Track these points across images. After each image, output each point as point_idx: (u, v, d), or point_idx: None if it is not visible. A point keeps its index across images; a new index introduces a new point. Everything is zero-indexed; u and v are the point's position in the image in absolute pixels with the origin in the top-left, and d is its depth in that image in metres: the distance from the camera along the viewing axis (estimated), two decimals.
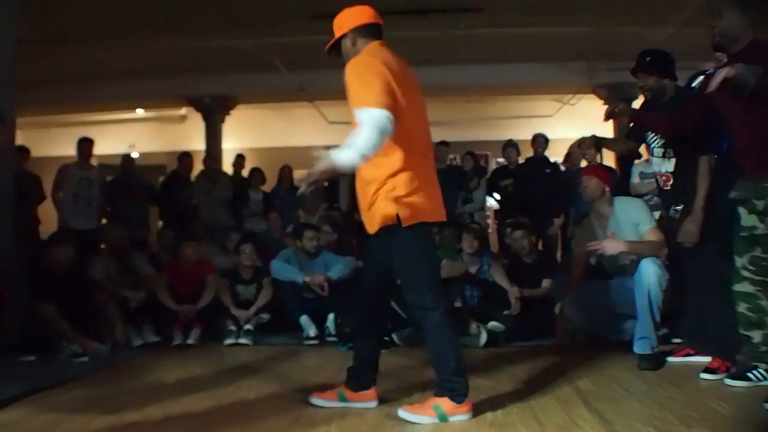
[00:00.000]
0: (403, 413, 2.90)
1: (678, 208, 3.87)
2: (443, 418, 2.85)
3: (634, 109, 4.03)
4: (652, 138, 4.01)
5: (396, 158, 2.87)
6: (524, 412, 2.97)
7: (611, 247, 4.15)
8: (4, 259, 4.97)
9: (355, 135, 2.69)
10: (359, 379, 3.14)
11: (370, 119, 2.68)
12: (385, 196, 2.88)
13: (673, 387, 3.35)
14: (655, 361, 3.85)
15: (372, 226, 2.99)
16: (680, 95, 3.89)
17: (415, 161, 2.93)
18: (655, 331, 3.93)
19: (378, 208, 2.91)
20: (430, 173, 3.10)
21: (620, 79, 9.27)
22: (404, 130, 2.84)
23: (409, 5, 7.58)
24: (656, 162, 4.01)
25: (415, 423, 2.84)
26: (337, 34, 3.08)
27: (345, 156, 2.68)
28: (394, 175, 2.87)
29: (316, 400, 3.17)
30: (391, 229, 2.89)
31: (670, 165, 3.90)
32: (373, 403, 3.13)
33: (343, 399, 3.13)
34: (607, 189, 4.40)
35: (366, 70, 2.84)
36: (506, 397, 3.22)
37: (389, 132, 2.71)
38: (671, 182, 3.90)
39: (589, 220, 4.64)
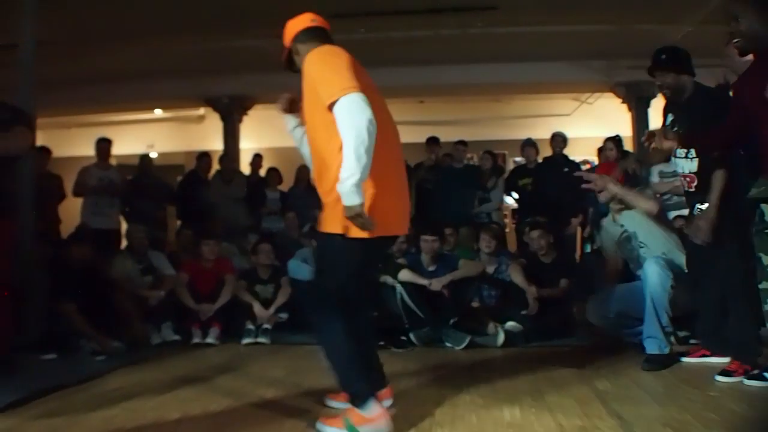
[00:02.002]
0: (319, 424, 2.78)
1: (702, 207, 3.77)
2: (351, 429, 2.69)
3: (677, 133, 3.91)
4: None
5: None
6: (542, 412, 2.95)
7: (602, 182, 4.28)
8: (24, 259, 5.01)
9: (343, 131, 2.52)
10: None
11: (346, 112, 2.52)
12: (336, 205, 2.63)
13: (692, 388, 3.32)
14: (659, 362, 3.83)
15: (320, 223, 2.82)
16: (699, 93, 3.81)
17: (380, 168, 2.67)
18: (662, 331, 3.90)
19: (327, 213, 2.73)
20: (397, 180, 2.88)
21: (639, 78, 9.20)
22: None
23: (425, 4, 7.57)
24: (679, 163, 3.92)
25: None
26: (287, 46, 2.99)
27: (350, 186, 2.49)
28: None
29: (331, 401, 3.13)
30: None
31: (693, 165, 3.81)
32: (388, 401, 3.05)
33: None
34: (616, 179, 4.40)
35: (330, 58, 2.69)
36: (524, 397, 3.21)
37: (365, 112, 2.50)
38: (695, 183, 3.83)
39: (607, 219, 4.63)
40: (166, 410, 3.13)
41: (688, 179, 3.89)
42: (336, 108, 2.54)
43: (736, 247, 3.58)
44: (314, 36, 2.92)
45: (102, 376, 3.98)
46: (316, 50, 2.76)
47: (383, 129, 2.69)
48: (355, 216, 2.53)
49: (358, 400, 2.71)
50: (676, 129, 3.90)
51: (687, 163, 3.85)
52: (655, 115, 9.52)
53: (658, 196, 5.53)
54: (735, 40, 3.22)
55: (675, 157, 3.96)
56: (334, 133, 2.60)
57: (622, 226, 4.34)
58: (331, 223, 2.70)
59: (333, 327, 2.74)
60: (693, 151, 3.81)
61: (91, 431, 2.82)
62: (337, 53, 2.72)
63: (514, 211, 9.06)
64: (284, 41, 2.99)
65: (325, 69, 2.66)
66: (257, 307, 5.49)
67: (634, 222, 4.30)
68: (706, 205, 3.74)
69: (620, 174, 4.51)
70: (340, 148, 2.56)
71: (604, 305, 4.45)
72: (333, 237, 2.69)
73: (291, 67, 3.03)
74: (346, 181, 2.50)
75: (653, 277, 3.91)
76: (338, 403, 3.06)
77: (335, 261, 2.75)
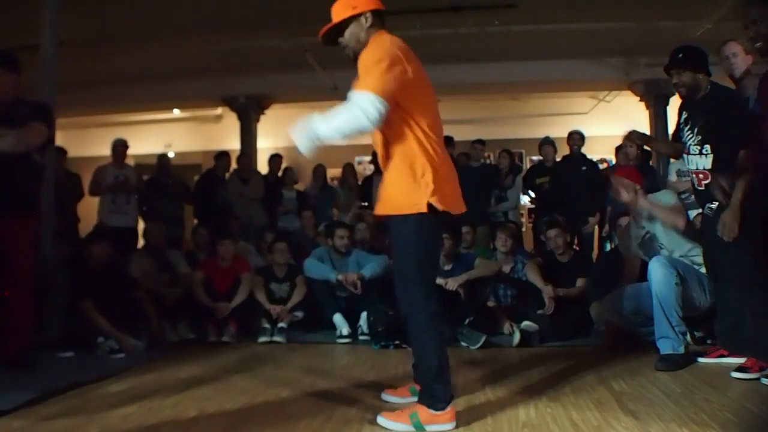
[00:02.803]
0: (380, 419, 2.81)
1: (713, 205, 3.77)
2: (418, 427, 2.73)
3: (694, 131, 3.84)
4: (687, 135, 3.91)
5: (413, 145, 2.77)
6: (558, 412, 2.94)
7: (630, 195, 4.29)
8: (44, 257, 5.06)
9: (339, 110, 2.64)
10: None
11: (361, 101, 2.59)
12: (398, 182, 2.79)
13: (709, 388, 3.29)
14: (673, 362, 3.79)
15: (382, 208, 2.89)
16: (715, 92, 3.80)
17: (434, 149, 2.81)
18: (673, 330, 3.88)
19: (390, 193, 2.82)
20: (449, 164, 2.96)
21: (657, 75, 9.12)
22: (422, 118, 2.78)
23: (443, 2, 7.56)
24: (692, 160, 3.89)
25: (390, 429, 2.76)
26: (350, 12, 2.89)
27: (320, 129, 2.64)
28: (412, 160, 2.77)
29: (388, 397, 3.18)
30: (399, 216, 2.79)
31: (707, 162, 3.78)
32: None
33: (414, 393, 3.04)
34: (639, 188, 4.38)
35: (386, 60, 2.69)
36: (540, 398, 3.20)
37: (374, 121, 2.59)
38: (707, 180, 3.79)
39: (630, 220, 4.65)
40: (182, 408, 3.15)
41: (700, 176, 3.86)
42: (355, 92, 2.63)
43: (754, 245, 3.55)
44: (381, 19, 2.95)
45: (119, 374, 4.00)
46: (374, 45, 2.79)
47: (436, 124, 2.89)
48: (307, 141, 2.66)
49: (435, 401, 2.75)
50: (689, 127, 3.89)
51: (701, 160, 3.82)
52: (674, 112, 9.46)
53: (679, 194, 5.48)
54: (756, 44, 3.22)
55: (688, 153, 3.92)
56: (393, 123, 2.76)
57: (644, 228, 4.33)
58: (397, 204, 2.78)
59: (430, 328, 2.80)
60: (708, 147, 3.77)
61: (108, 429, 2.83)
62: (390, 54, 2.72)
63: (530, 210, 9.00)
64: (347, 8, 2.92)
65: (379, 65, 2.67)
66: (267, 304, 5.52)
67: (654, 224, 4.28)
68: (716, 204, 3.72)
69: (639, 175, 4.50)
70: (401, 138, 2.78)
71: (617, 303, 4.44)
72: (405, 218, 2.75)
73: (329, 39, 3.01)
74: (318, 129, 2.64)
75: (657, 275, 3.91)
76: (395, 398, 3.11)
77: (411, 239, 2.78)
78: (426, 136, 2.78)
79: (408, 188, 2.76)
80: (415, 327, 2.83)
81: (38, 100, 4.32)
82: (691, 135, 3.89)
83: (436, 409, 2.74)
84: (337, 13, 2.93)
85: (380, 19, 2.94)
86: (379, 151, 2.94)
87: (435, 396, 2.75)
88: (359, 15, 2.89)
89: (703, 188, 3.85)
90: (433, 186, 2.74)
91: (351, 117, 2.60)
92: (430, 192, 2.74)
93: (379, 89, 2.60)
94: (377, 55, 2.71)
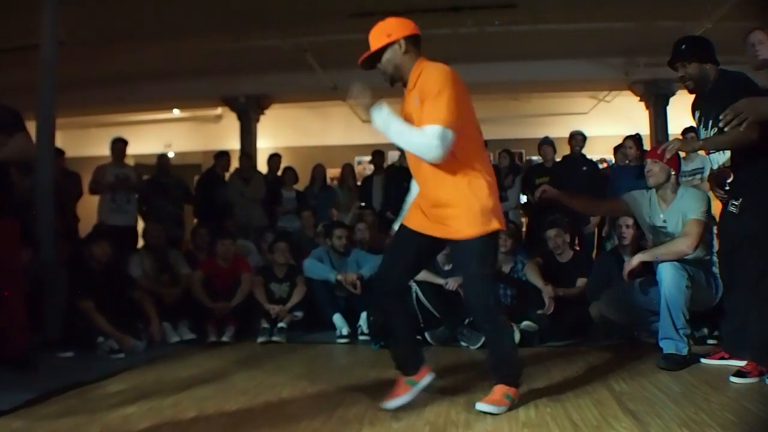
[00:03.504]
0: (480, 405, 2.94)
1: (736, 202, 3.55)
2: (511, 400, 2.99)
3: None
4: (704, 135, 3.70)
5: (477, 166, 2.97)
6: (558, 411, 2.94)
7: (627, 269, 4.18)
8: (45, 257, 5.06)
9: (419, 133, 2.81)
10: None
11: (438, 135, 2.76)
12: (469, 207, 2.92)
13: (709, 388, 3.29)
14: (675, 362, 3.77)
15: (443, 231, 3.01)
16: (725, 78, 3.59)
17: (486, 171, 3.02)
18: (679, 333, 3.84)
19: (460, 220, 2.94)
20: (494, 179, 3.11)
21: (657, 75, 9.16)
22: (475, 140, 2.99)
23: (443, 2, 7.56)
24: (714, 158, 3.76)
25: (494, 414, 2.91)
26: (385, 41, 2.99)
27: (392, 124, 2.84)
28: (478, 182, 2.95)
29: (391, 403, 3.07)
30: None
31: (725, 157, 3.62)
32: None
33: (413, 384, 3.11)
34: (674, 173, 4.19)
35: (448, 86, 2.84)
36: (539, 397, 3.19)
37: (444, 151, 2.78)
38: (731, 179, 3.61)
39: (653, 193, 4.36)
40: (182, 409, 3.15)
41: (723, 174, 3.71)
42: (428, 128, 2.79)
43: None
44: (417, 45, 3.07)
45: (118, 374, 4.01)
46: (433, 73, 2.90)
47: (477, 135, 3.10)
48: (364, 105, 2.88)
49: (519, 380, 3.06)
50: (703, 124, 3.70)
51: (721, 157, 3.68)
52: (674, 113, 9.46)
53: None
54: None
55: (708, 153, 3.79)
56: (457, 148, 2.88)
57: (664, 220, 4.24)
58: (469, 226, 2.92)
59: (503, 321, 3.10)
60: None
61: (108, 429, 2.83)
62: (456, 81, 2.89)
63: (529, 210, 8.97)
64: (382, 36, 3.01)
65: (444, 94, 2.82)
66: (267, 304, 5.52)
67: (674, 222, 4.20)
68: (740, 200, 3.52)
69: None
70: (457, 164, 2.93)
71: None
72: (473, 240, 2.91)
73: (369, 64, 3.09)
74: (388, 124, 2.86)
75: (668, 277, 3.85)
76: (398, 399, 3.07)
77: (484, 259, 2.98)
78: (480, 156, 3.01)
79: (477, 210, 2.92)
80: (491, 317, 3.03)
81: (7, 106, 4.17)
82: (706, 133, 3.68)
83: (517, 385, 3.04)
84: (374, 41, 3.03)
85: (416, 45, 3.06)
86: (427, 174, 3.02)
87: (516, 368, 3.07)
88: (394, 42, 3.00)
89: (728, 188, 3.66)
90: (494, 206, 2.97)
91: (423, 143, 2.80)
92: (494, 213, 2.96)
93: (449, 120, 2.78)
94: (440, 82, 2.85)
